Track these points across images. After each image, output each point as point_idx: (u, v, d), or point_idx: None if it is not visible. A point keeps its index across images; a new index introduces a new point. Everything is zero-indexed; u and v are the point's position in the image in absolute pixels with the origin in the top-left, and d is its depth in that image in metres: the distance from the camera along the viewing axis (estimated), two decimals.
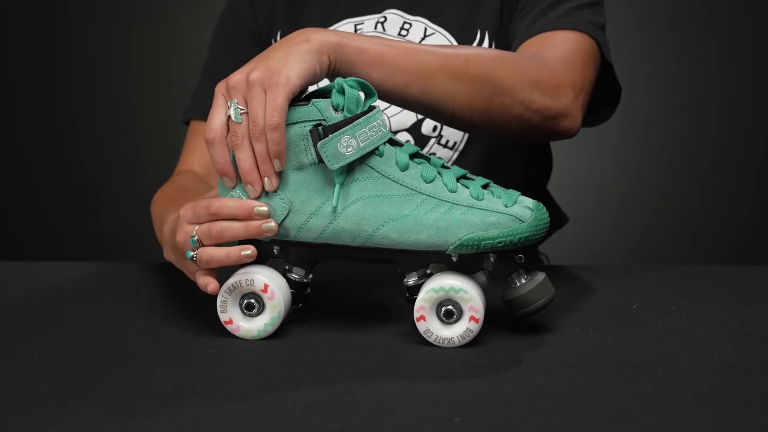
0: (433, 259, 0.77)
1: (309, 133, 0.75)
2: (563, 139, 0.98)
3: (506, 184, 0.82)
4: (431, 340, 0.76)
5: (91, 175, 2.69)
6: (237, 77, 0.76)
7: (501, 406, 0.63)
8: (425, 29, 1.14)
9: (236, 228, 0.77)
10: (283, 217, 0.77)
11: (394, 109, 1.11)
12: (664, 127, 2.57)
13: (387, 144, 0.77)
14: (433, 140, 1.12)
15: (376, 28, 1.15)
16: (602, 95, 1.08)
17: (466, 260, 0.77)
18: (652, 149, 2.59)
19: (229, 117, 0.76)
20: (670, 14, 2.54)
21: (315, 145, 0.75)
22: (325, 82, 1.03)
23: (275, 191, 0.77)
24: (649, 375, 0.69)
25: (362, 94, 0.77)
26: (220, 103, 0.77)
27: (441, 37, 1.13)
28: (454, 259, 0.77)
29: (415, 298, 0.77)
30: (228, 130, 0.76)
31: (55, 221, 2.69)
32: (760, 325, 0.82)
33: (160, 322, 0.84)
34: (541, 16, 1.04)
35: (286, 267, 0.80)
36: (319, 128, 0.75)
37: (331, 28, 1.16)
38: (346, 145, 0.74)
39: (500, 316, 0.82)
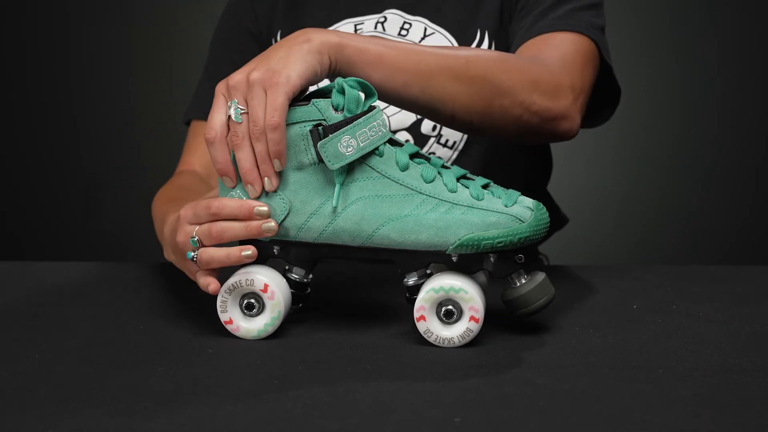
0: (433, 259, 0.77)
1: (309, 133, 0.75)
2: (562, 141, 0.98)
3: (506, 185, 0.82)
4: (431, 340, 0.76)
5: (91, 175, 2.69)
6: (237, 77, 0.76)
7: (501, 406, 0.63)
8: (425, 29, 1.14)
9: (236, 228, 0.77)
10: (283, 217, 0.77)
11: (394, 108, 1.11)
12: (664, 127, 2.58)
13: (387, 144, 0.77)
14: (432, 139, 1.12)
15: (376, 28, 1.15)
16: (601, 97, 1.08)
17: (466, 260, 0.77)
18: (652, 149, 2.59)
19: (229, 117, 0.76)
20: (670, 14, 2.54)
21: (315, 145, 0.75)
22: (325, 82, 1.03)
23: (275, 191, 0.77)
24: (649, 375, 0.69)
25: (362, 94, 0.77)
26: (220, 103, 0.77)
27: (441, 37, 1.13)
28: (454, 259, 0.77)
29: (415, 298, 0.77)
30: (228, 130, 0.76)
31: (55, 221, 2.69)
32: (760, 325, 0.82)
33: (160, 322, 0.84)
34: (540, 18, 1.04)
35: (286, 267, 0.80)
36: (319, 128, 0.75)
37: (331, 28, 1.16)
38: (346, 145, 0.74)
39: (500, 316, 0.82)
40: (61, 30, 2.65)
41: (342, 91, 0.75)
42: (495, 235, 0.75)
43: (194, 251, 0.78)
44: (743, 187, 2.55)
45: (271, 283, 0.77)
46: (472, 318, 0.75)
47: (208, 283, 0.78)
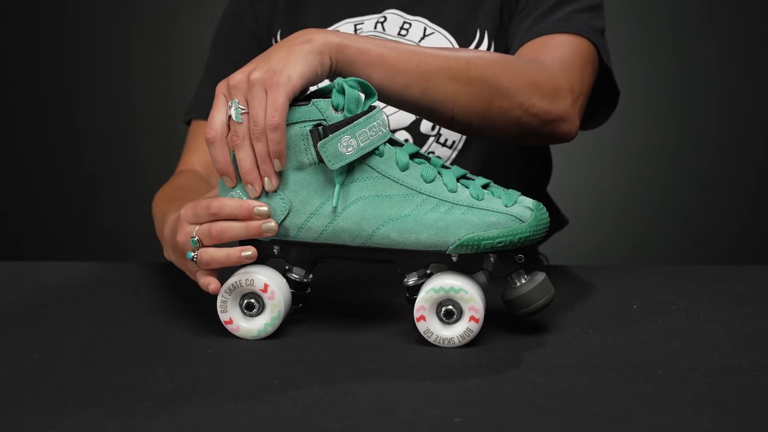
0: (433, 259, 0.77)
1: (309, 133, 0.75)
2: (561, 143, 0.98)
3: (506, 185, 0.82)
4: (431, 340, 0.76)
5: (91, 175, 2.69)
6: (238, 77, 0.76)
7: (501, 406, 0.63)
8: (425, 29, 1.14)
9: (236, 228, 0.77)
10: (283, 217, 0.77)
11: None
12: (663, 128, 2.58)
13: (387, 144, 0.77)
14: (431, 138, 1.12)
15: (375, 27, 1.15)
16: (600, 98, 1.08)
17: (466, 260, 0.77)
18: (651, 149, 2.59)
19: (229, 117, 0.76)
20: (670, 14, 2.54)
21: (315, 145, 0.75)
22: (325, 83, 1.04)
23: (275, 191, 0.77)
24: (649, 375, 0.69)
25: (362, 95, 0.77)
26: (221, 103, 0.77)
27: (440, 37, 1.13)
28: (454, 259, 0.77)
29: (415, 298, 0.77)
30: (229, 129, 0.76)
31: (55, 221, 2.69)
32: (760, 325, 0.82)
33: (160, 322, 0.84)
34: (540, 19, 1.04)
35: (286, 267, 0.80)
36: (319, 128, 0.75)
37: (331, 27, 1.16)
38: (346, 145, 0.74)
39: (500, 316, 0.82)
40: (61, 30, 2.65)
41: (342, 91, 0.75)
42: (495, 235, 0.75)
43: (194, 251, 0.78)
44: (743, 187, 2.55)
45: (271, 283, 0.77)
46: (472, 318, 0.75)
47: (209, 282, 0.78)
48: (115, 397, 0.65)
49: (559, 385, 0.67)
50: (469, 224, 0.75)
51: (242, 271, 0.78)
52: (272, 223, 0.76)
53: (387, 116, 1.12)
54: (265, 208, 0.76)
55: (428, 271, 0.78)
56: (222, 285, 0.78)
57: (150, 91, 2.64)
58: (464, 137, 1.13)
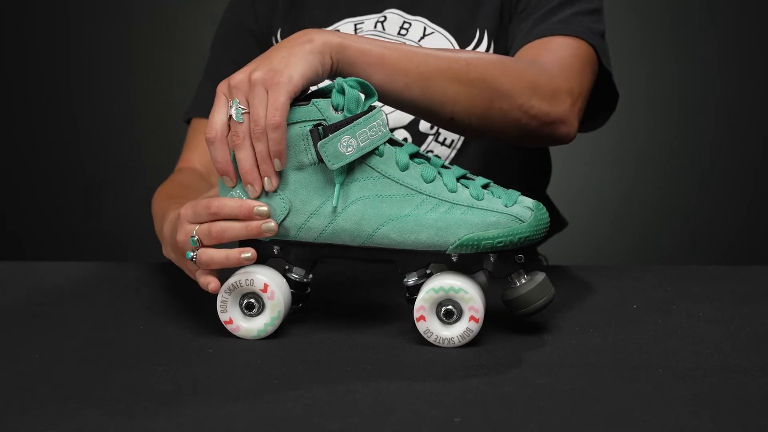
0: (433, 259, 0.77)
1: (309, 133, 0.75)
2: (560, 144, 0.98)
3: (505, 185, 0.82)
4: (431, 340, 0.76)
5: (91, 175, 2.69)
6: (239, 77, 0.76)
7: (501, 406, 0.63)
8: (425, 29, 1.14)
9: (236, 228, 0.77)
10: (283, 217, 0.77)
11: None
12: (663, 128, 2.57)
13: (387, 144, 0.77)
14: (431, 137, 1.12)
15: (375, 27, 1.15)
16: (599, 101, 1.08)
17: (466, 260, 0.77)
18: (650, 150, 2.59)
19: (230, 116, 0.76)
20: (670, 14, 2.54)
21: (315, 145, 0.75)
22: (325, 83, 1.04)
23: (275, 191, 0.77)
24: (649, 375, 0.69)
25: (362, 95, 0.77)
26: (221, 103, 0.77)
27: (440, 37, 1.13)
28: (454, 259, 0.77)
29: (415, 298, 0.77)
30: (229, 129, 0.76)
31: (55, 221, 2.69)
32: (760, 325, 0.82)
33: (160, 322, 0.84)
34: (540, 21, 1.05)
35: (286, 267, 0.80)
36: (319, 128, 0.75)
37: (331, 27, 1.16)
38: (346, 145, 0.74)
39: (500, 316, 0.82)
40: (61, 30, 2.65)
41: (342, 91, 0.75)
42: (495, 235, 0.75)
43: (194, 251, 0.78)
44: (742, 187, 2.55)
45: (271, 283, 0.77)
46: (472, 318, 0.75)
47: (208, 281, 0.78)
48: (115, 397, 0.65)
49: (559, 385, 0.67)
50: (469, 224, 0.75)
51: (242, 271, 0.78)
52: (272, 223, 0.76)
53: (386, 115, 1.12)
54: (265, 208, 0.76)
55: (428, 271, 0.78)
56: (222, 285, 0.78)
57: (150, 91, 2.64)
58: (463, 137, 1.13)
